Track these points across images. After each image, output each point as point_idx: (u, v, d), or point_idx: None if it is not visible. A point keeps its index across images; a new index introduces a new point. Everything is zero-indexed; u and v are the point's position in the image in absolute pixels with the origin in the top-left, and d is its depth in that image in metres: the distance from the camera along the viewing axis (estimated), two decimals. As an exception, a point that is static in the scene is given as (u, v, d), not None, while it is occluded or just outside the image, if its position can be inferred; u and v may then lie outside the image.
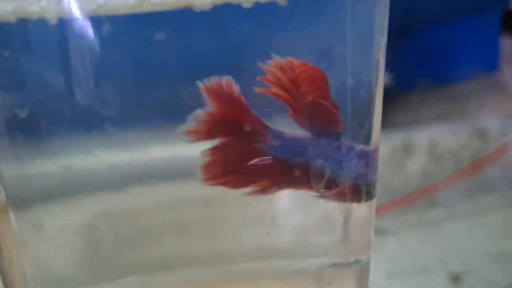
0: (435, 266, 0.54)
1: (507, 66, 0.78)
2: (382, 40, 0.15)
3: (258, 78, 0.12)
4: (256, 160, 0.12)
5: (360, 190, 0.15)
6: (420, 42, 0.68)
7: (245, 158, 0.12)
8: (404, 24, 0.64)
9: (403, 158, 0.58)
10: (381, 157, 0.58)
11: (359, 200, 0.15)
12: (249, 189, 0.12)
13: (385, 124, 0.67)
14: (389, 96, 0.72)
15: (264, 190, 0.13)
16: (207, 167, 0.12)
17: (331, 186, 0.13)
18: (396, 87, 0.69)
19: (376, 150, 0.16)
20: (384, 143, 0.59)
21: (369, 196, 0.15)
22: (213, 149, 0.12)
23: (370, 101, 0.15)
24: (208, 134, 0.12)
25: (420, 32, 0.68)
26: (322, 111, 0.12)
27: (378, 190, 0.60)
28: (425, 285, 0.52)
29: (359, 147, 0.14)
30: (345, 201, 0.14)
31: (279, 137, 0.12)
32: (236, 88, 0.12)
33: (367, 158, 0.15)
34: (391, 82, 0.68)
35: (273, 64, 0.12)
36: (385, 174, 0.58)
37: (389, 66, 0.67)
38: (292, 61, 0.12)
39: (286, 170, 0.12)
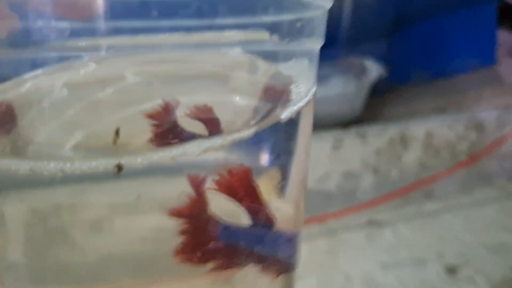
0: (431, 257, 0.54)
1: (504, 59, 0.78)
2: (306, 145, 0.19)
3: (213, 180, 0.15)
4: (211, 244, 0.16)
5: (288, 265, 0.19)
6: (417, 34, 0.68)
7: (203, 242, 0.15)
8: (400, 16, 0.64)
9: (400, 150, 0.58)
10: (378, 149, 0.58)
11: (287, 271, 0.18)
12: (209, 266, 0.16)
13: (381, 116, 0.67)
14: (385, 88, 0.73)
15: (219, 268, 0.16)
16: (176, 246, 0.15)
17: (268, 263, 0.17)
18: (392, 80, 0.69)
19: (298, 233, 0.20)
20: (381, 135, 0.59)
21: (293, 266, 0.19)
22: (180, 232, 0.15)
23: None
24: (183, 215, 0.15)
25: (417, 24, 0.68)
26: (255, 211, 0.16)
27: (376, 181, 0.60)
28: (421, 276, 0.53)
29: (287, 234, 0.18)
30: (277, 273, 0.18)
31: (227, 228, 0.16)
32: (204, 186, 0.15)
33: (293, 242, 0.19)
34: (388, 74, 0.68)
35: (224, 168, 0.15)
36: (382, 166, 0.58)
37: (386, 59, 0.67)
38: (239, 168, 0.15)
39: (234, 252, 0.16)
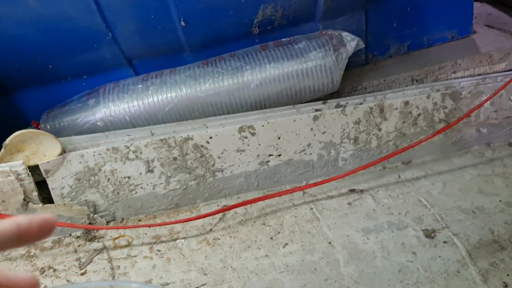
0: (411, 222, 0.56)
1: (480, 30, 0.79)
2: None
3: None
4: None
5: None
6: (394, 6, 0.68)
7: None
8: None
9: (379, 119, 0.59)
10: (357, 119, 0.59)
11: None
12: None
13: (360, 87, 0.67)
14: (364, 60, 0.72)
15: None
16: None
17: None
18: (370, 51, 0.70)
19: None
20: (360, 106, 0.60)
21: None
22: None
23: None
24: None
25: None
26: None
27: (356, 150, 0.60)
28: (401, 240, 0.54)
29: None
30: None
31: None
32: None
33: None
34: (366, 46, 0.69)
35: None
36: (361, 135, 0.59)
37: (364, 30, 0.66)
38: None
39: None
